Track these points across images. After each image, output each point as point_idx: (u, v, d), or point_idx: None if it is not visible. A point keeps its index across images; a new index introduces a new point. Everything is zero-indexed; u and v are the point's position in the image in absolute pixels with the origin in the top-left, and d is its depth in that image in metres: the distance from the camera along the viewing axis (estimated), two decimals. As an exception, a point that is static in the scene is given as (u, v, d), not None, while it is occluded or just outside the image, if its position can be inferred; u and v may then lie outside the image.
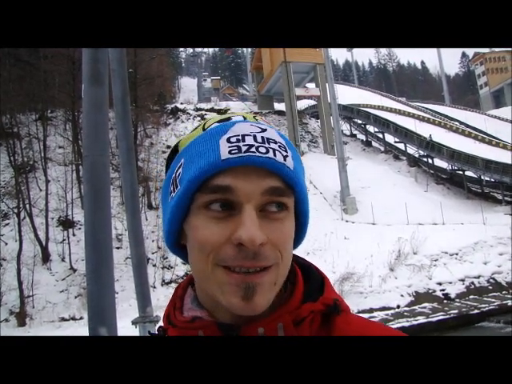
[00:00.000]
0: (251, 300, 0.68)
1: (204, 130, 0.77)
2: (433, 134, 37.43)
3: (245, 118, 0.78)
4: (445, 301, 17.29)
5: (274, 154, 0.70)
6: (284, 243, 0.71)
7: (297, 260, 0.85)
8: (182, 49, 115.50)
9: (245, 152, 0.69)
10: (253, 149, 0.70)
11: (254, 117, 0.80)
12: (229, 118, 0.78)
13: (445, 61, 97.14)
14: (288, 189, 0.72)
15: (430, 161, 36.64)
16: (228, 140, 0.71)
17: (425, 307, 16.60)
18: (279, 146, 0.72)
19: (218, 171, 0.69)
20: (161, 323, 0.83)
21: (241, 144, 0.70)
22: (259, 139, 0.71)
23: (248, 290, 0.68)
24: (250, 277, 0.68)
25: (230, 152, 0.69)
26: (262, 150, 0.70)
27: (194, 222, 0.72)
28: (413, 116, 50.40)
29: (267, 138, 0.72)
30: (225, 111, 41.41)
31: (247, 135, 0.72)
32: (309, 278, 0.81)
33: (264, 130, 0.74)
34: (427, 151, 35.89)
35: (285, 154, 0.72)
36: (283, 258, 0.71)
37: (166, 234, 0.79)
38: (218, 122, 0.78)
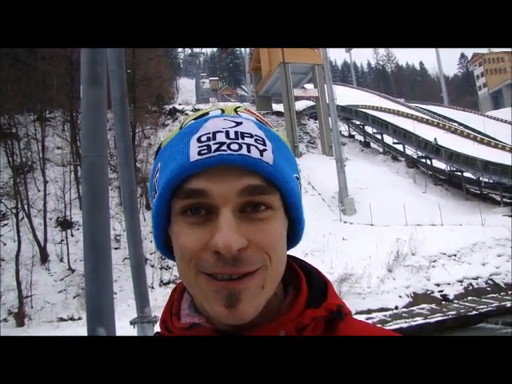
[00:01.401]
0: (235, 308, 0.64)
1: (181, 128, 0.73)
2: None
3: (223, 112, 0.74)
4: (443, 302, 17.31)
5: (249, 150, 0.65)
6: (271, 244, 0.67)
7: (299, 263, 0.82)
8: (180, 49, 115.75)
9: (214, 151, 0.64)
10: (223, 147, 0.65)
11: (235, 109, 0.76)
12: (206, 114, 0.73)
13: (443, 62, 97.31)
14: (269, 186, 0.67)
15: (428, 162, 36.68)
16: (198, 139, 0.67)
17: (423, 308, 16.61)
18: (256, 140, 0.67)
19: (190, 174, 0.65)
20: (157, 328, 0.82)
21: (211, 143, 0.65)
22: (232, 135, 0.66)
23: (231, 297, 0.64)
24: (232, 283, 0.64)
25: (199, 153, 0.65)
26: (234, 146, 0.65)
27: (175, 228, 0.69)
28: (411, 117, 50.45)
29: (241, 133, 0.67)
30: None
31: (219, 132, 0.67)
32: (311, 282, 0.77)
33: (239, 124, 0.69)
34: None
35: (262, 147, 0.67)
36: (271, 259, 0.67)
37: (154, 237, 0.76)
38: (194, 118, 0.73)
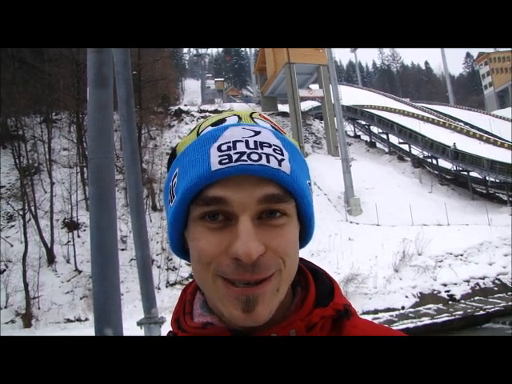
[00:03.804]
0: (252, 312, 0.66)
1: (198, 134, 0.74)
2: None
3: (240, 118, 0.75)
4: (450, 302, 17.22)
5: (268, 160, 0.67)
6: (285, 249, 0.69)
7: (307, 265, 0.84)
8: (185, 50, 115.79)
9: (235, 161, 0.66)
10: (244, 157, 0.66)
11: (250, 115, 0.77)
12: (223, 120, 0.75)
13: (449, 61, 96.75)
14: (286, 194, 0.69)
15: (434, 162, 36.52)
16: (219, 148, 0.68)
17: (429, 308, 16.55)
18: (274, 150, 0.69)
19: (210, 182, 0.67)
20: (169, 327, 0.82)
21: (232, 152, 0.67)
22: (251, 145, 0.68)
23: (248, 302, 0.66)
24: (250, 289, 0.66)
25: (220, 162, 0.66)
26: (254, 156, 0.67)
27: (193, 232, 0.70)
28: (417, 117, 50.27)
29: (260, 143, 0.69)
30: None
31: (239, 141, 0.68)
32: (318, 283, 0.80)
33: (257, 133, 0.70)
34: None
35: (280, 157, 0.69)
36: (286, 264, 0.69)
37: (169, 240, 0.78)
38: (212, 124, 0.75)
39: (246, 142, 0.68)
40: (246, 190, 0.67)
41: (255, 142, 0.69)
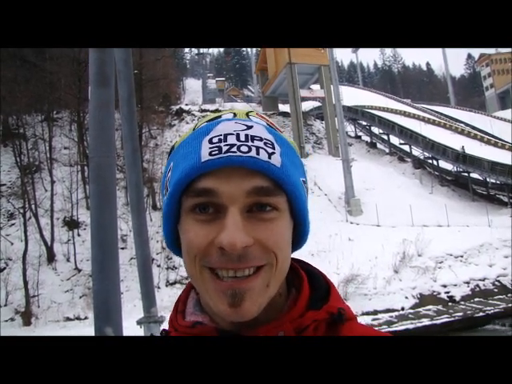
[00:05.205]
0: (239, 307, 0.66)
1: (194, 130, 0.75)
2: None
3: (235, 115, 0.75)
4: (449, 303, 17.21)
5: (257, 152, 0.67)
6: (276, 243, 0.68)
7: (303, 266, 0.83)
8: (186, 50, 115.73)
9: (225, 152, 0.66)
10: (233, 148, 0.67)
11: (247, 113, 0.77)
12: (219, 117, 0.75)
13: (450, 62, 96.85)
14: (276, 188, 0.69)
15: (434, 163, 36.49)
16: (210, 141, 0.69)
17: (429, 309, 16.54)
18: (265, 143, 0.69)
19: (200, 174, 0.67)
20: (165, 326, 0.83)
21: (222, 144, 0.67)
22: (242, 137, 0.68)
23: (235, 296, 0.66)
24: (237, 283, 0.66)
25: (210, 153, 0.67)
26: (244, 148, 0.67)
27: (183, 225, 0.71)
28: (418, 118, 50.27)
29: (251, 136, 0.69)
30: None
31: (230, 134, 0.69)
32: (314, 285, 0.79)
33: (249, 128, 0.70)
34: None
35: (271, 150, 0.69)
36: (278, 259, 0.68)
37: (164, 235, 0.78)
38: (208, 121, 0.75)
39: (237, 135, 0.69)
40: (235, 181, 0.67)
41: (246, 135, 0.69)
